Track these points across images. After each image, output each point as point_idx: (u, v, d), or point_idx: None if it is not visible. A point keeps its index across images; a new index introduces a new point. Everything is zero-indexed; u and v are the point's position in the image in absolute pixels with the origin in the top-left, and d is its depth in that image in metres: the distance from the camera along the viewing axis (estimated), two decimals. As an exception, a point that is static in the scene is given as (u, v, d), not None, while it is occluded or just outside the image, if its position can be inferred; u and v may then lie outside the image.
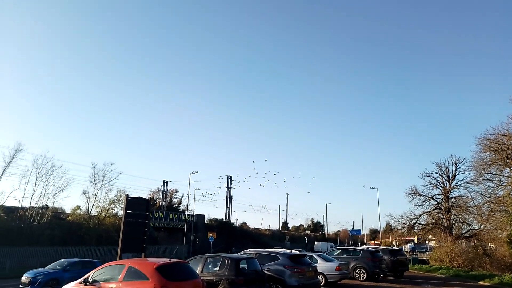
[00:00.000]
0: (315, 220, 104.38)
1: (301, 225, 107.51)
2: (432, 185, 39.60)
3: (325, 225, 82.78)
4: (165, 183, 61.95)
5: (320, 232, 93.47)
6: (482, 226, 33.45)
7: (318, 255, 18.09)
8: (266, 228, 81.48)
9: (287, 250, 15.70)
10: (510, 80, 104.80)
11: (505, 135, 27.81)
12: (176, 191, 64.03)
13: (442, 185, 39.14)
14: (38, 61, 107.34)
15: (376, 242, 66.41)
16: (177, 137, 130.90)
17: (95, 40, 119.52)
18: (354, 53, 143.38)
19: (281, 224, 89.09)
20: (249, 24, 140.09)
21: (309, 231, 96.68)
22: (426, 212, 39.88)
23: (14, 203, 36.58)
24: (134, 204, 13.26)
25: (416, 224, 40.87)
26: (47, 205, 37.60)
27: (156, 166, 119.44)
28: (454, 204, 37.56)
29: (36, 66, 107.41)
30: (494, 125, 32.09)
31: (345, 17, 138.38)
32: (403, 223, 41.19)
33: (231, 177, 68.41)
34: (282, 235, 76.54)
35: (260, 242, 59.43)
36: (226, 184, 67.63)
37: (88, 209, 41.01)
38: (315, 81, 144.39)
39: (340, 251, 21.57)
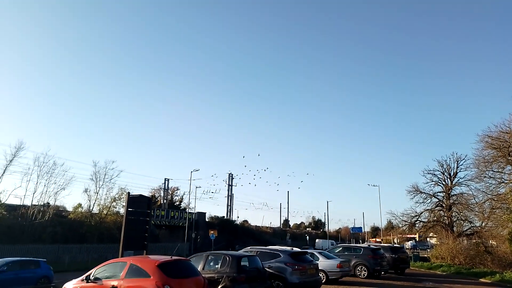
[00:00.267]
0: (316, 218, 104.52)
1: (302, 222, 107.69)
2: (433, 182, 39.57)
3: (326, 223, 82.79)
4: (166, 181, 62.07)
5: (321, 230, 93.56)
6: (483, 224, 33.46)
7: (319, 253, 18.09)
8: (267, 225, 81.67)
9: (288, 248, 15.71)
10: None
11: (507, 133, 27.76)
12: (177, 189, 64.15)
13: (443, 182, 39.12)
14: (39, 61, 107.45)
15: (377, 239, 66.41)
16: (177, 135, 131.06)
17: (96, 41, 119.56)
18: (354, 51, 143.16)
19: (282, 222, 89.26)
20: (246, 27, 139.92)
21: (310, 229, 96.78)
22: (427, 210, 39.87)
23: (16, 201, 36.94)
24: (136, 202, 13.29)
25: (418, 221, 40.87)
26: (48, 203, 37.76)
27: (157, 164, 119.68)
28: (456, 202, 37.54)
29: (37, 66, 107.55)
30: (496, 123, 32.10)
31: (343, 20, 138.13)
32: (404, 221, 41.20)
33: (232, 174, 68.54)
34: (283, 233, 76.65)
35: (261, 240, 59.53)
36: (227, 182, 67.76)
37: (89, 207, 41.18)
38: (316, 81, 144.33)
39: (341, 248, 21.57)
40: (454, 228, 36.86)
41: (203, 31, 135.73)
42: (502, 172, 29.15)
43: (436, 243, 43.04)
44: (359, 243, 48.19)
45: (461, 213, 37.11)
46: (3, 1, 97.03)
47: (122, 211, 40.71)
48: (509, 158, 27.61)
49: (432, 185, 39.70)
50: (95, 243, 37.27)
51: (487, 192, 30.73)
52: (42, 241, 33.14)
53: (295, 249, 14.97)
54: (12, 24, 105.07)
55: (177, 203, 62.72)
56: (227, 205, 67.59)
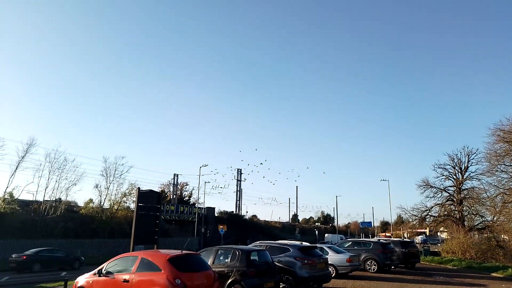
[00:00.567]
0: (325, 213, 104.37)
1: (311, 217, 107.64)
2: (444, 176, 39.11)
3: (335, 217, 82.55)
4: (176, 176, 62.49)
5: (330, 225, 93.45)
6: (495, 218, 33.01)
7: (329, 247, 18.07)
8: (276, 220, 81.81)
9: (297, 242, 15.72)
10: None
11: (519, 126, 27.27)
12: (187, 184, 64.66)
13: (454, 176, 38.64)
14: (50, 59, 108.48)
15: (387, 234, 66.10)
16: (186, 131, 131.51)
17: (105, 38, 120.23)
18: (364, 47, 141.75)
19: (291, 217, 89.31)
20: (252, 24, 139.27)
21: (319, 224, 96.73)
22: (438, 204, 39.47)
23: (29, 197, 37.38)
24: (146, 197, 13.38)
25: (428, 216, 40.48)
26: (60, 199, 38.27)
27: (166, 160, 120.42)
28: (467, 196, 37.10)
29: (47, 63, 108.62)
30: (508, 116, 31.48)
31: (346, 17, 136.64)
32: (415, 215, 40.85)
33: (240, 170, 68.72)
34: (292, 228, 76.72)
35: (271, 235, 59.68)
36: (236, 177, 67.94)
37: (100, 202, 41.68)
38: (326, 79, 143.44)
39: (350, 243, 21.53)
40: (465, 223, 36.45)
41: (209, 27, 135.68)
42: (515, 166, 28.67)
43: (446, 237, 42.66)
44: (369, 238, 48.04)
45: (472, 208, 36.67)
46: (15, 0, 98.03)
47: (132, 206, 41.14)
48: (521, 151, 27.14)
49: (442, 180, 39.27)
50: (106, 238, 37.72)
51: (499, 186, 30.30)
52: (54, 236, 33.65)
53: (305, 243, 14.97)
54: (23, 22, 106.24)
55: (186, 198, 63.20)
56: (236, 200, 67.89)
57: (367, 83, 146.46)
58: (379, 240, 23.00)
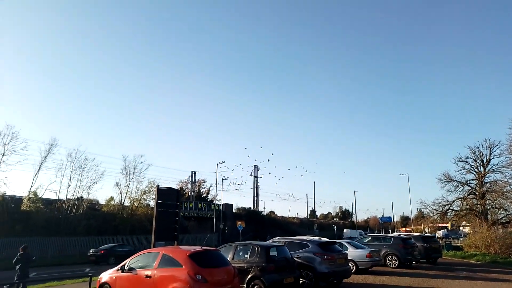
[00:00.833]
0: (344, 208, 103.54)
1: (329, 213, 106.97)
2: (465, 170, 38.25)
3: (354, 213, 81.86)
4: (193, 174, 63.08)
5: (349, 220, 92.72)
6: (520, 212, 32.16)
7: (348, 243, 17.95)
8: (294, 216, 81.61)
9: (316, 238, 15.67)
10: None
11: (544, 116, 26.38)
12: (204, 181, 65.12)
13: (476, 170, 37.75)
14: (69, 59, 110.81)
15: (407, 229, 65.15)
16: (203, 128, 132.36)
17: (121, 37, 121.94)
18: (380, 37, 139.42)
19: (309, 212, 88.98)
20: (269, 21, 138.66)
21: (337, 219, 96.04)
22: (459, 198, 38.66)
23: (52, 196, 38.44)
24: (165, 194, 13.57)
25: (449, 210, 39.71)
26: (82, 197, 39.17)
27: (183, 157, 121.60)
28: (489, 189, 36.21)
29: (67, 64, 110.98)
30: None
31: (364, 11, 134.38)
32: (436, 210, 40.11)
33: (257, 166, 68.84)
34: (310, 223, 76.43)
35: (289, 230, 59.65)
36: (253, 173, 68.11)
37: (121, 200, 42.53)
38: (341, 72, 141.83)
39: (370, 238, 21.33)
40: (488, 216, 35.60)
41: (228, 23, 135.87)
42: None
43: (469, 232, 41.76)
44: (389, 233, 47.47)
45: (496, 201, 35.78)
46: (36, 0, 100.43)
47: (152, 203, 41.81)
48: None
49: (464, 173, 38.42)
50: (127, 234, 38.47)
51: (523, 179, 29.46)
52: (77, 234, 34.52)
53: (324, 239, 14.91)
54: (46, 23, 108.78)
55: (204, 195, 63.71)
56: (253, 196, 68.08)
57: (384, 77, 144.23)
58: (399, 235, 22.70)
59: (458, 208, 39.20)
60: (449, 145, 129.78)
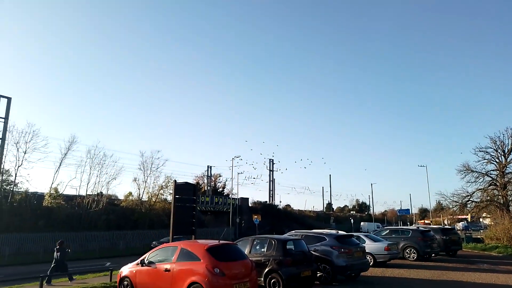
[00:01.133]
0: (360, 201, 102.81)
1: (345, 206, 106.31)
2: (486, 160, 37.30)
3: (371, 205, 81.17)
4: (209, 168, 63.47)
5: (365, 213, 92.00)
6: (543, 203, 31.26)
7: (366, 236, 17.83)
8: (310, 209, 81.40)
9: (333, 231, 15.59)
10: None
11: None
12: (220, 176, 65.55)
13: (497, 160, 36.78)
14: (87, 56, 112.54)
15: (426, 221, 64.22)
16: (218, 123, 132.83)
17: (138, 33, 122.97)
18: (397, 27, 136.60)
19: (325, 206, 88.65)
20: (281, 15, 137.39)
21: (354, 212, 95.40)
22: (479, 189, 37.79)
23: (72, 192, 39.26)
24: (182, 189, 13.69)
25: (469, 201, 38.90)
26: (101, 192, 39.91)
27: (199, 152, 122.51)
28: (511, 180, 35.30)
29: (85, 62, 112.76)
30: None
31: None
32: (455, 201, 39.35)
33: (272, 160, 68.80)
34: (327, 216, 76.15)
35: (305, 224, 59.56)
36: (268, 167, 68.10)
37: (139, 195, 43.20)
38: (358, 63, 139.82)
39: (388, 231, 21.10)
40: (510, 208, 34.73)
41: (244, 18, 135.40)
42: None
43: (490, 223, 40.91)
44: (407, 226, 46.91)
45: (518, 192, 34.88)
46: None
47: (169, 198, 42.36)
48: None
49: (484, 163, 37.47)
50: (146, 229, 39.08)
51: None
52: (97, 229, 35.24)
53: (341, 232, 14.83)
54: (66, 22, 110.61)
55: (220, 189, 64.15)
56: (269, 190, 68.12)
57: (402, 68, 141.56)
58: (418, 227, 22.40)
59: (478, 200, 38.36)
60: (468, 135, 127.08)
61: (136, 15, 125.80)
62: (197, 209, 16.95)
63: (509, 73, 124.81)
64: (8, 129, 34.65)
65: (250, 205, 60.40)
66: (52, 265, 14.22)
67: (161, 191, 44.22)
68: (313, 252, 11.88)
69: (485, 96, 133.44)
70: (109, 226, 36.50)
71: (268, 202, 65.78)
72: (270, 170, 68.20)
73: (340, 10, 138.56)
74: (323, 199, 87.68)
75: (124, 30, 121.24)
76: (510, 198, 35.55)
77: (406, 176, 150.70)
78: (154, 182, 44.01)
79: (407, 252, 18.88)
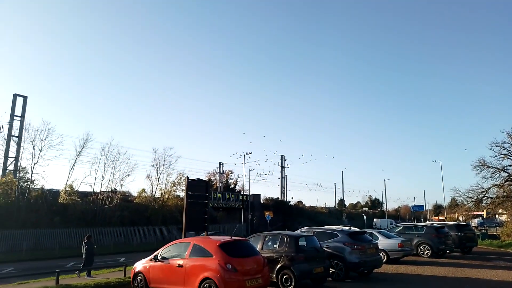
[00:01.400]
0: (373, 197, 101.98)
1: (358, 202, 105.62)
2: (502, 155, 36.45)
3: (384, 202, 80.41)
4: (221, 165, 63.71)
5: (378, 209, 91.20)
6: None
7: (379, 232, 17.64)
8: (322, 206, 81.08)
9: (345, 227, 15.49)
10: None
11: None
12: (232, 172, 65.72)
13: (514, 155, 35.97)
14: (100, 55, 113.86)
15: (441, 217, 63.38)
16: (230, 120, 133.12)
17: (150, 31, 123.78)
18: (408, 21, 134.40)
19: (337, 202, 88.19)
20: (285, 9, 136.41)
21: (367, 208, 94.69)
22: (496, 185, 37.01)
23: (87, 188, 39.87)
24: (194, 185, 13.77)
25: (485, 197, 38.18)
26: (115, 189, 40.43)
27: (211, 149, 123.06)
28: (529, 176, 34.50)
29: (99, 60, 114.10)
30: None
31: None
32: (470, 197, 38.64)
33: (284, 156, 68.67)
34: (339, 213, 75.77)
35: (317, 220, 59.38)
36: (279, 163, 68.02)
37: (152, 191, 43.65)
38: (368, 56, 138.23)
39: (401, 227, 20.87)
40: (527, 204, 34.02)
41: (245, 11, 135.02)
42: None
43: (506, 220, 40.14)
44: (421, 222, 46.36)
45: (535, 188, 34.10)
46: None
47: (182, 194, 42.69)
48: None
49: (500, 159, 36.61)
50: (159, 225, 39.49)
51: None
52: (112, 225, 35.73)
53: (353, 228, 14.72)
54: (80, 19, 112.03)
55: (232, 186, 64.34)
56: (281, 186, 68.08)
57: (415, 62, 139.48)
58: (432, 224, 22.12)
59: (494, 196, 37.60)
60: (484, 130, 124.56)
61: (151, 15, 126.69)
62: (209, 205, 17.02)
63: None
64: (24, 127, 35.38)
65: (261, 201, 60.46)
66: (84, 259, 14.68)
67: (174, 188, 44.64)
68: (325, 249, 11.83)
69: (501, 91, 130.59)
70: (123, 222, 36.97)
71: (279, 199, 65.78)
72: (281, 167, 68.14)
73: (353, 7, 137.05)
74: (335, 196, 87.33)
75: (139, 28, 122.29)
76: (527, 194, 34.78)
77: (420, 172, 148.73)
78: (167, 179, 44.51)
79: (421, 249, 18.66)
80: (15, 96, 38.21)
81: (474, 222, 54.90)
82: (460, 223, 28.65)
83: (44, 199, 33.65)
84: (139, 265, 10.50)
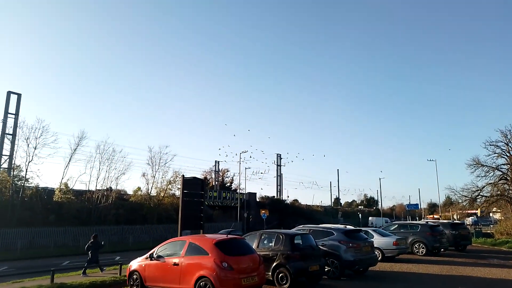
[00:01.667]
0: (369, 196, 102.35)
1: (353, 200, 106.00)
2: (496, 154, 36.75)
3: (379, 200, 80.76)
4: (217, 163, 63.66)
5: (374, 208, 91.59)
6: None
7: (374, 230, 17.73)
8: (318, 204, 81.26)
9: (341, 226, 15.55)
10: None
11: None
12: (228, 171, 65.68)
13: (507, 154, 36.22)
14: (95, 54, 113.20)
15: (435, 216, 63.79)
16: (226, 118, 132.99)
17: (146, 31, 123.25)
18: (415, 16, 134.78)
19: (333, 200, 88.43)
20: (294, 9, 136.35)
21: (362, 207, 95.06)
22: (490, 184, 37.30)
23: (82, 187, 39.66)
24: (190, 184, 13.74)
25: (479, 196, 38.47)
26: (111, 187, 40.25)
27: (207, 147, 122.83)
28: (522, 174, 34.77)
29: (93, 58, 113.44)
30: None
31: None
32: (465, 196, 38.93)
33: (280, 155, 68.80)
34: (335, 211, 76.00)
35: (312, 219, 59.53)
36: (275, 162, 68.07)
37: (148, 190, 43.46)
38: (366, 55, 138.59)
39: (396, 226, 20.99)
40: (521, 202, 34.28)
41: (243, 12, 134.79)
42: None
43: (500, 218, 40.51)
44: (416, 220, 46.63)
45: (529, 186, 34.38)
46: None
47: (177, 193, 42.54)
48: None
49: (494, 158, 36.92)
50: (155, 223, 39.39)
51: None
52: (107, 223, 35.60)
53: (349, 226, 14.77)
54: (74, 20, 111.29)
55: (228, 184, 64.33)
56: (277, 185, 68.18)
57: (409, 61, 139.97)
58: (427, 222, 22.25)
59: (489, 194, 37.90)
60: (478, 129, 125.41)
61: (145, 14, 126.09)
62: (205, 204, 17.02)
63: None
64: (18, 125, 35.10)
65: (257, 200, 60.51)
66: (88, 258, 14.64)
67: (170, 186, 44.46)
68: (321, 247, 11.87)
69: (494, 91, 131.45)
70: (118, 221, 36.84)
71: (275, 197, 65.85)
72: (277, 165, 68.21)
73: (355, 9, 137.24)
74: (331, 194, 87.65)
75: (132, 29, 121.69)
76: (521, 193, 35.07)
77: (415, 170, 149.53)
78: (162, 177, 44.31)
79: (415, 247, 18.77)
80: (9, 93, 37.92)
81: (469, 220, 55.33)
82: (454, 221, 28.84)
83: (39, 197, 33.44)
84: (134, 264, 10.45)
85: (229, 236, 9.51)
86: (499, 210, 41.38)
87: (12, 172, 34.60)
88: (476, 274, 13.23)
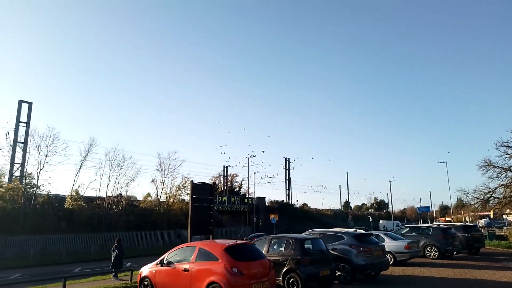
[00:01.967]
0: (379, 199, 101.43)
1: (363, 204, 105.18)
2: (508, 155, 36.09)
3: (390, 203, 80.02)
4: (225, 168, 63.75)
5: (384, 211, 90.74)
6: None
7: (385, 234, 17.53)
8: (327, 208, 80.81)
9: (351, 230, 15.43)
10: None
11: None
12: (236, 176, 65.73)
13: (520, 154, 35.67)
14: (105, 62, 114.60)
15: (447, 218, 62.92)
16: (234, 122, 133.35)
17: (153, 37, 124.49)
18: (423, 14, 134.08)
19: (342, 204, 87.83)
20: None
21: (372, 210, 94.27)
22: (502, 185, 36.62)
23: (92, 193, 40.03)
24: (199, 189, 13.80)
25: (491, 198, 37.87)
26: (121, 194, 40.57)
27: (215, 152, 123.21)
28: (536, 175, 34.15)
29: (103, 66, 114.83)
30: None
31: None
32: (477, 198, 38.33)
33: (288, 159, 68.67)
34: (345, 215, 75.46)
35: (322, 223, 59.15)
36: (284, 166, 67.92)
37: (157, 195, 43.77)
38: (372, 55, 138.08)
39: (408, 229, 20.71)
40: (535, 204, 33.64)
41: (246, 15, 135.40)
42: None
43: (514, 220, 39.83)
44: (427, 223, 46.07)
45: (543, 187, 33.71)
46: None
47: (187, 198, 42.74)
48: None
49: (507, 158, 36.28)
50: (165, 229, 39.56)
51: None
52: (117, 229, 35.82)
53: (359, 230, 14.65)
54: (82, 26, 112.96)
55: (237, 189, 64.33)
56: (286, 189, 68.00)
57: (419, 61, 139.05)
58: (439, 225, 21.94)
59: (501, 196, 37.25)
60: (489, 130, 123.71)
61: (154, 18, 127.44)
62: (214, 209, 17.03)
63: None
64: (29, 133, 35.64)
65: (266, 204, 60.36)
66: (112, 262, 15.08)
67: (179, 192, 44.71)
68: (331, 251, 11.78)
69: (506, 92, 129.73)
70: (128, 227, 37.06)
71: (284, 201, 65.64)
72: (286, 169, 68.11)
73: (357, 10, 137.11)
74: (340, 197, 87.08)
75: (141, 33, 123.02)
76: (535, 194, 34.42)
77: (426, 173, 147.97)
78: (171, 183, 44.60)
79: (428, 251, 18.51)
80: (20, 102, 38.56)
81: (481, 222, 54.46)
82: (467, 224, 28.44)
83: (50, 204, 33.83)
84: (145, 270, 10.49)
85: (239, 241, 9.49)
86: (512, 212, 40.66)
87: (24, 180, 35.08)
88: (490, 277, 12.98)
